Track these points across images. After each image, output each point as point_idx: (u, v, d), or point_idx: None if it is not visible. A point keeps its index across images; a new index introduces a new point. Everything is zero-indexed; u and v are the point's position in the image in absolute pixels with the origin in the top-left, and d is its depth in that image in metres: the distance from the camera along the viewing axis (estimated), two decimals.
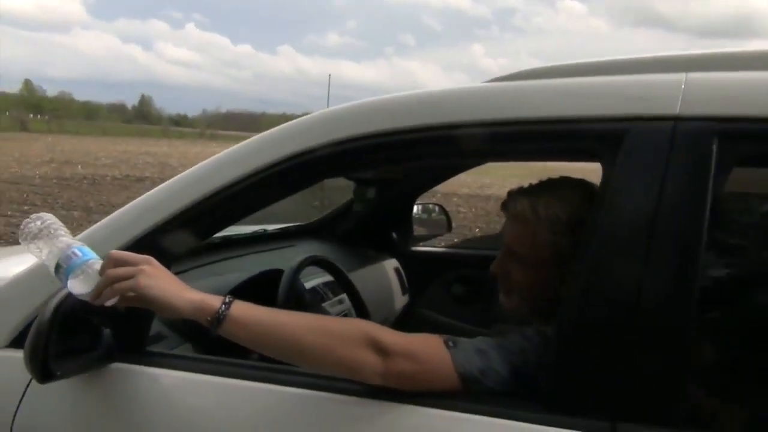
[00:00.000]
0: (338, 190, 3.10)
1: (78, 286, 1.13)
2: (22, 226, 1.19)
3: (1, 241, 8.39)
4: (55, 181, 16.83)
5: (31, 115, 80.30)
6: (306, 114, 1.41)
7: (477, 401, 1.12)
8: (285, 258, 1.94)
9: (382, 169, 2.47)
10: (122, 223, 1.39)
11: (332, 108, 1.35)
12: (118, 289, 1.10)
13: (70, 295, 1.17)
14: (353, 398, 1.17)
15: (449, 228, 3.27)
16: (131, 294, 1.10)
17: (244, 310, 1.12)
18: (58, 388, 1.27)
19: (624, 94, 1.13)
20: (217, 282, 1.87)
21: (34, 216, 1.21)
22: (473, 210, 14.19)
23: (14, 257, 2.51)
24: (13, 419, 1.32)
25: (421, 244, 3.21)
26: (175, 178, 1.41)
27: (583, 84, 1.19)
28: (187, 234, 1.38)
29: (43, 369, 1.17)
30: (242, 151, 1.37)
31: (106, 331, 1.30)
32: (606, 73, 1.20)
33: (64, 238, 1.17)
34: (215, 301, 1.11)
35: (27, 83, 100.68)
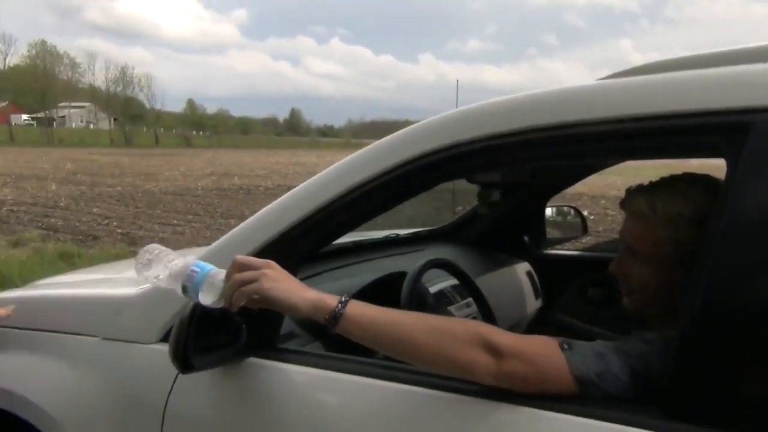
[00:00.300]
0: (473, 194, 3.11)
1: (208, 298, 1.22)
2: (134, 264, 1.30)
3: (169, 248, 9.13)
4: (214, 192, 18.11)
5: (194, 132, 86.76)
6: None
7: (594, 405, 1.09)
8: (413, 262, 1.98)
9: (507, 172, 2.45)
10: (254, 228, 1.50)
11: (455, 110, 1.37)
12: (244, 292, 1.19)
13: None
14: (472, 398, 1.18)
15: (585, 230, 3.17)
16: (255, 296, 1.19)
17: (359, 309, 1.18)
18: (202, 378, 1.40)
19: (749, 84, 1.06)
20: (346, 284, 1.95)
21: (141, 251, 1.32)
22: (622, 213, 13.56)
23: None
24: (166, 403, 1.47)
25: (555, 247, 3.14)
26: (303, 184, 1.49)
27: (706, 76, 1.13)
28: (313, 237, 1.46)
29: (183, 361, 1.29)
30: (365, 156, 1.42)
31: (236, 330, 1.40)
32: (730, 63, 1.14)
33: (176, 261, 1.27)
34: (332, 301, 1.18)
35: (190, 103, 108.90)
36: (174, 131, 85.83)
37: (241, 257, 1.24)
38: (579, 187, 3.03)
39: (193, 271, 1.23)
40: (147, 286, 1.61)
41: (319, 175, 1.46)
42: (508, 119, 1.25)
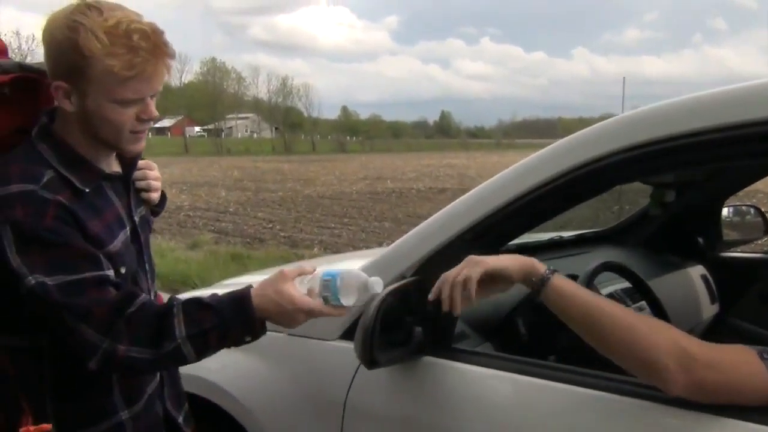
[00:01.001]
0: (636, 194, 2.99)
1: (350, 299, 1.28)
2: None
3: (328, 251, 9.56)
4: (368, 195, 18.65)
5: (348, 138, 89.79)
6: (604, 116, 1.41)
7: None
8: (580, 264, 1.95)
9: (685, 172, 2.33)
10: (429, 232, 1.55)
11: (634, 111, 1.35)
12: (458, 282, 1.24)
13: (387, 296, 1.37)
14: (650, 403, 1.17)
15: (767, 231, 2.94)
16: (470, 287, 1.23)
17: (563, 281, 1.22)
18: (380, 374, 1.48)
19: None
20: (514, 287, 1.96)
21: None
22: None
23: (342, 263, 2.89)
24: (347, 396, 1.57)
25: (733, 249, 2.95)
26: (475, 189, 1.53)
27: None
28: (488, 239, 1.50)
29: (370, 357, 1.38)
30: (541, 158, 1.42)
31: (417, 329, 1.47)
32: None
33: (308, 278, 1.30)
34: (541, 267, 1.23)
35: (344, 109, 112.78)
36: (329, 137, 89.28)
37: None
38: (756, 183, 2.81)
39: (325, 280, 1.28)
40: None
41: (497, 176, 1.49)
42: (712, 115, 1.20)
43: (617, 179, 1.37)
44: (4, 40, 1.45)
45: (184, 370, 1.81)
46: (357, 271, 1.30)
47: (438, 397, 1.45)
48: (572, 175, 1.34)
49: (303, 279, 1.30)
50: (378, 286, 1.28)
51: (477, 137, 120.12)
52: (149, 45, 1.22)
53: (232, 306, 1.26)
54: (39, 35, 1.28)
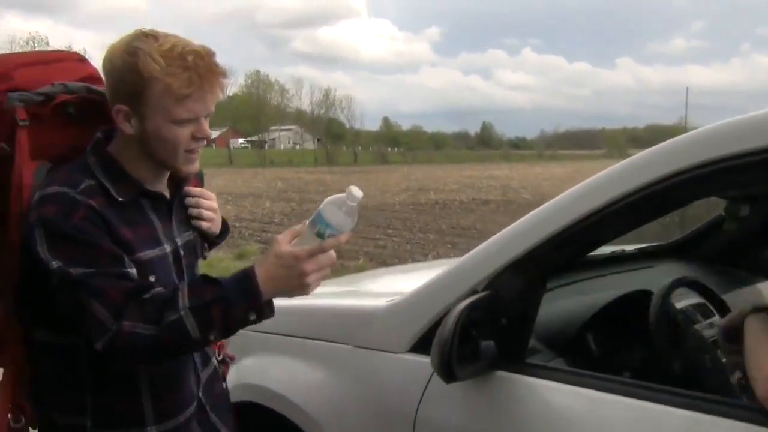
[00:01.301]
0: (695, 207, 2.91)
1: (343, 223, 1.27)
2: None
3: (373, 262, 9.56)
4: (411, 206, 18.65)
5: (389, 149, 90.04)
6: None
7: None
8: (647, 279, 1.91)
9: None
10: (499, 246, 1.54)
11: (719, 123, 1.32)
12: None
13: (464, 310, 1.37)
14: (729, 421, 1.16)
15: None
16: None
17: (756, 321, 1.33)
18: (452, 387, 1.47)
19: None
20: (582, 301, 1.93)
21: None
22: None
23: (395, 275, 2.89)
24: (417, 410, 1.56)
25: None
26: (546, 204, 1.52)
27: None
28: (558, 255, 1.48)
29: (448, 371, 1.37)
30: (618, 172, 1.40)
31: (487, 344, 1.46)
32: None
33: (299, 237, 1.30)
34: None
35: (385, 121, 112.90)
36: (371, 149, 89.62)
37: None
38: None
39: (312, 222, 1.28)
40: (396, 298, 1.72)
41: (569, 190, 1.48)
42: None
43: (701, 193, 1.34)
44: None
45: (248, 380, 1.82)
46: (334, 196, 1.29)
47: (512, 411, 1.44)
48: (651, 189, 1.31)
49: (297, 239, 1.30)
50: (356, 191, 1.28)
51: (519, 148, 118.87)
52: (203, 65, 1.30)
53: (235, 279, 1.28)
54: (90, 50, 1.35)
